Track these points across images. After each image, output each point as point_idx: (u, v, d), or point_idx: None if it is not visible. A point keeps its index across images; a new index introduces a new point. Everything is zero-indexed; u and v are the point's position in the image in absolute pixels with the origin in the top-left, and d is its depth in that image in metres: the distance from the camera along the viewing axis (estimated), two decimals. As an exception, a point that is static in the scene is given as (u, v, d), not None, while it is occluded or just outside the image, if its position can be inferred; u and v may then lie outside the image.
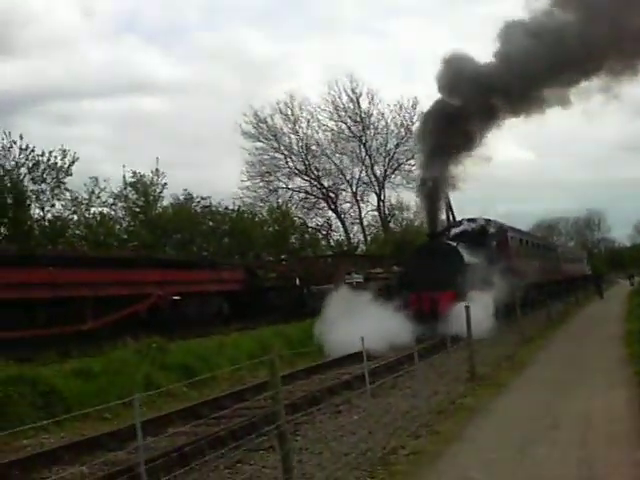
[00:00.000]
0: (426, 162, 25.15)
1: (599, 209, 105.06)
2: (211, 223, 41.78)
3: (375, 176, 54.60)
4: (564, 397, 11.38)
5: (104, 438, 9.83)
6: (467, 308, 14.52)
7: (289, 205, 51.60)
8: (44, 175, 31.17)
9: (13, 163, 30.09)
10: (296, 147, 53.06)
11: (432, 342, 17.24)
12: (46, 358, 15.64)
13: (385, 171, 54.77)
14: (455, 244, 24.41)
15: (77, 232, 34.19)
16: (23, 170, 30.50)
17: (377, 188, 54.96)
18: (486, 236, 26.60)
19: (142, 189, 38.52)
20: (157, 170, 38.93)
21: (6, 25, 79.95)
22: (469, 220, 29.03)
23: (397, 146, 53.43)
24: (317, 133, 53.61)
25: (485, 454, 8.05)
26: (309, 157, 53.45)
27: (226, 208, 43.14)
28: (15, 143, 30.05)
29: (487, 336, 17.37)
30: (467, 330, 14.07)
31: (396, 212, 56.51)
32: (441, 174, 24.26)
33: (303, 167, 53.44)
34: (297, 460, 7.66)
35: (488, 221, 28.08)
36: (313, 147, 53.47)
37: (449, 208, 43.66)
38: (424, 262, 23.18)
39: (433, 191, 24.48)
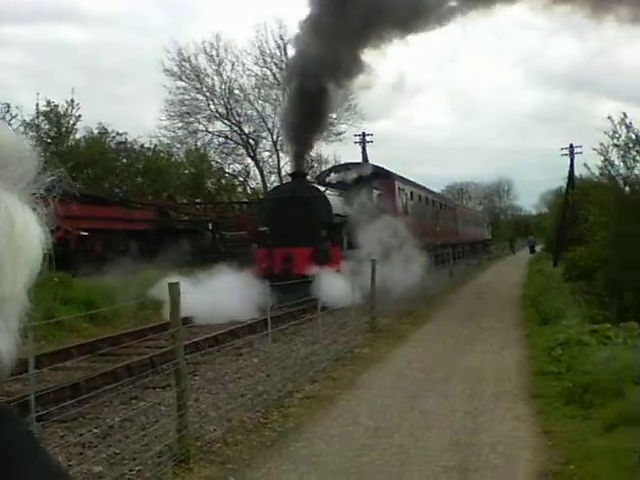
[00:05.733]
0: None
1: (509, 176, 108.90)
2: (125, 160, 40.79)
3: (296, 126, 54.02)
4: (458, 352, 11.84)
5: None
6: (373, 262, 14.62)
7: (207, 149, 50.89)
8: (-49, 96, 29.74)
9: None
10: (219, 90, 51.91)
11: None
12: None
13: (306, 122, 54.23)
14: (323, 189, 19.89)
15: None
16: None
17: (297, 139, 54.42)
18: (369, 185, 21.99)
19: (55, 119, 37.19)
20: (72, 101, 37.53)
21: None
22: (351, 164, 24.81)
23: (321, 98, 52.74)
24: (241, 77, 52.62)
25: (377, 401, 8.33)
26: (231, 101, 52.44)
27: (142, 146, 42.21)
28: None
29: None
30: (371, 284, 14.31)
31: (315, 165, 56.38)
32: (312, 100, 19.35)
33: (224, 111, 52.43)
34: (194, 399, 7.74)
35: (373, 167, 24.18)
36: (236, 91, 52.46)
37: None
38: (280, 210, 18.80)
39: (301, 121, 19.75)
